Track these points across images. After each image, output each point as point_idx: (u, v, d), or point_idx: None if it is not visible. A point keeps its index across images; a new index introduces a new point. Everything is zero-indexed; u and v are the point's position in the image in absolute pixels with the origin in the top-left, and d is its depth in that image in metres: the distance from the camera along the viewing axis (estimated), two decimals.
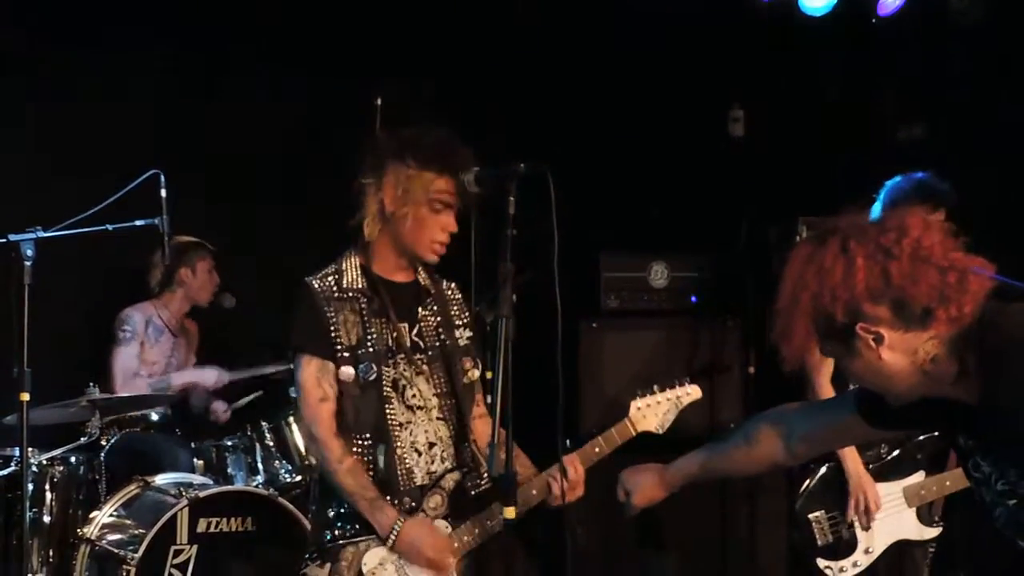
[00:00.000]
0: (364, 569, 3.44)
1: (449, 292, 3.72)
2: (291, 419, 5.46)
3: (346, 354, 3.48)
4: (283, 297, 6.11)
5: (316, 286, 3.54)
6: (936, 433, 4.41)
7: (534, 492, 3.54)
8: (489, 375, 3.78)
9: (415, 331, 3.60)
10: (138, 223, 4.19)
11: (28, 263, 4.02)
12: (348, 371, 3.47)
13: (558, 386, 3.05)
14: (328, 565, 3.46)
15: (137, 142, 5.85)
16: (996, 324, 2.21)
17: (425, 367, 3.59)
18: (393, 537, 3.41)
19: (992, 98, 5.94)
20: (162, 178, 4.14)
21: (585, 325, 6.19)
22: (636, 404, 3.74)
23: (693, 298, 6.44)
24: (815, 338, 2.27)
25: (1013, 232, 5.33)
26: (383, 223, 3.52)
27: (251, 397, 6.00)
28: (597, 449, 3.62)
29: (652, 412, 3.75)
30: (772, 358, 4.55)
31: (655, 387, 3.77)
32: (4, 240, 4.05)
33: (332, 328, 3.49)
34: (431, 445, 3.55)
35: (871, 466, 4.45)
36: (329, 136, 6.22)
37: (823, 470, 4.45)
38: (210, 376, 5.92)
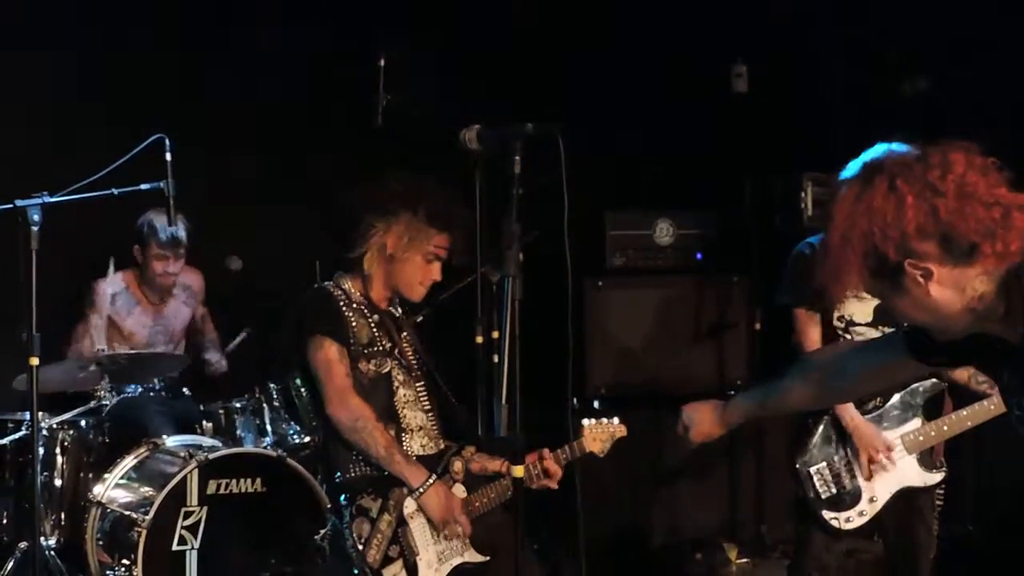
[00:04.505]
0: (405, 512, 3.85)
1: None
2: (299, 380, 5.45)
3: (362, 350, 3.97)
4: (283, 257, 6.17)
5: (332, 292, 4.03)
6: (932, 380, 4.46)
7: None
8: (496, 335, 3.94)
9: (398, 350, 4.08)
10: (144, 187, 4.19)
11: (35, 228, 4.02)
12: (366, 365, 3.95)
13: (568, 345, 3.08)
14: (380, 500, 3.83)
15: (141, 106, 5.84)
16: None
17: (410, 375, 4.07)
18: (422, 490, 3.84)
19: (996, 52, 5.91)
20: (167, 142, 4.13)
21: (591, 283, 6.20)
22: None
23: (699, 255, 6.44)
24: (864, 277, 2.28)
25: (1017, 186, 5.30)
26: (382, 261, 4.00)
27: (239, 338, 5.98)
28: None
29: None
30: (778, 315, 4.56)
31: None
32: (11, 206, 4.05)
33: (352, 326, 3.98)
34: (419, 428, 4.04)
35: (868, 416, 4.47)
36: (332, 98, 6.21)
37: (821, 425, 4.47)
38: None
